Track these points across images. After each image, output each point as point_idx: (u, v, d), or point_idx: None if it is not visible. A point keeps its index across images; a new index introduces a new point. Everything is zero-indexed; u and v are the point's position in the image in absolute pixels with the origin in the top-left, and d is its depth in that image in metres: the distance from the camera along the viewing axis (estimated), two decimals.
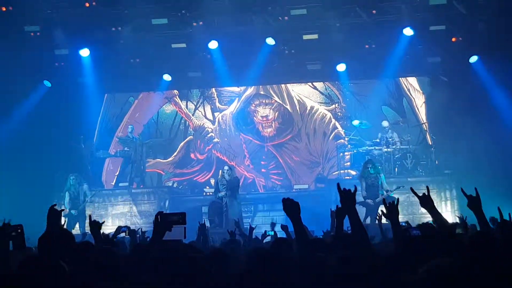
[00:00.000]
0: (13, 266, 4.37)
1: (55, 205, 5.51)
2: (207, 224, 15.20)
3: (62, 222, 13.74)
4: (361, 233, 4.57)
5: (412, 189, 5.48)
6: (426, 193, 5.31)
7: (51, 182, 18.46)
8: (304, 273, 4.24)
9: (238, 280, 4.17)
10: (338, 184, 4.87)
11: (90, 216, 5.92)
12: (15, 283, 3.85)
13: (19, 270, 4.15)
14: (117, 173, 21.90)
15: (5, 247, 4.97)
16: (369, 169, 16.66)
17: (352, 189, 4.71)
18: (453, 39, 18.63)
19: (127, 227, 9.17)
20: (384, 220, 6.63)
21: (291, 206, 4.87)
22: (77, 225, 17.29)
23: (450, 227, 5.61)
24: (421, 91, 21.60)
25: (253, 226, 9.99)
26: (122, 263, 4.53)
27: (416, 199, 5.35)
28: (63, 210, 5.86)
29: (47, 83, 19.78)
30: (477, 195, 5.17)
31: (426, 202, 5.29)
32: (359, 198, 15.20)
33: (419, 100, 21.59)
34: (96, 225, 5.70)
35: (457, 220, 10.75)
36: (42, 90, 19.62)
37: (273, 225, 10.10)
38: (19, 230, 5.30)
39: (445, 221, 5.39)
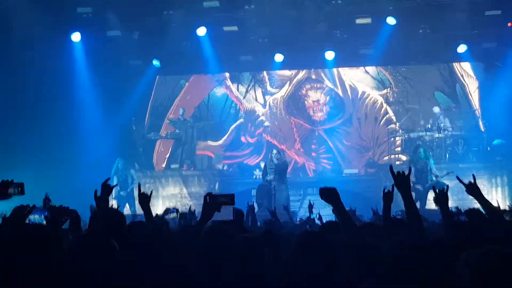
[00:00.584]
0: (65, 245, 4.44)
1: (108, 179, 5.52)
2: (256, 207, 15.26)
3: (114, 204, 13.93)
4: (416, 218, 4.53)
5: (458, 178, 5.39)
6: (473, 181, 5.23)
7: (103, 164, 18.55)
8: (353, 257, 4.24)
9: (287, 263, 4.18)
10: (391, 167, 4.83)
11: (139, 186, 5.84)
12: (67, 261, 3.93)
13: (72, 249, 4.23)
14: (167, 155, 22.07)
15: (56, 226, 5.03)
16: (419, 154, 16.51)
17: (406, 172, 4.67)
18: (509, 24, 18.25)
19: (176, 209, 9.22)
20: (433, 206, 6.57)
21: (328, 194, 4.84)
22: (127, 206, 17.48)
23: (499, 213, 5.52)
24: (474, 77, 21.25)
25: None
26: (172, 243, 4.56)
27: None
28: (116, 185, 5.79)
29: (155, 63, 20.39)
30: None
31: (472, 189, 5.21)
32: None
33: (472, 86, 21.24)
34: (145, 197, 5.66)
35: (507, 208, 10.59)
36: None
37: (310, 207, 9.98)
38: (74, 215, 5.38)
39: (493, 207, 5.29)
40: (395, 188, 4.75)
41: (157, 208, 17.22)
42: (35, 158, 17.23)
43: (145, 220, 5.65)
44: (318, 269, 3.98)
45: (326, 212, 10.29)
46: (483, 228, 4.54)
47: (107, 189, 5.38)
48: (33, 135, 17.55)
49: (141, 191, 5.69)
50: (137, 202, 7.13)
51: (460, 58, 20.38)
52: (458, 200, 13.38)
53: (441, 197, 5.28)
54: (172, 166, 20.82)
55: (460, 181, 5.25)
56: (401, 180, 4.64)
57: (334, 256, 4.05)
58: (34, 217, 5.87)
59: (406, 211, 4.65)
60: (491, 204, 5.17)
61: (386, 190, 5.08)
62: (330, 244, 4.16)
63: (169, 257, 4.15)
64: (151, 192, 5.83)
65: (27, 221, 4.87)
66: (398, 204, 5.04)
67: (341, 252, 4.18)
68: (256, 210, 9.87)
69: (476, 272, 3.02)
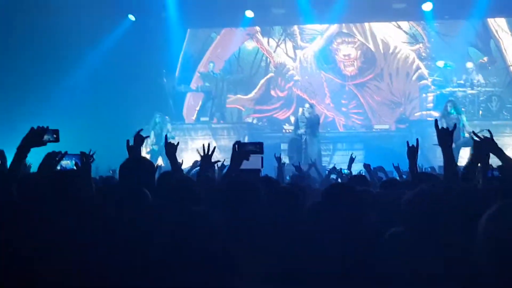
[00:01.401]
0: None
1: (141, 130, 5.54)
2: (287, 160, 15.29)
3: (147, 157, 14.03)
4: (453, 171, 4.47)
5: (473, 132, 5.10)
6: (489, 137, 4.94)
7: (134, 117, 18.59)
8: (380, 208, 4.22)
9: (313, 211, 4.17)
10: (436, 121, 4.75)
11: (166, 137, 5.89)
12: (97, 208, 3.96)
13: (102, 197, 4.26)
14: (198, 108, 22.07)
15: (89, 172, 5.08)
16: (450, 109, 16.31)
17: (451, 128, 4.58)
18: None
19: None
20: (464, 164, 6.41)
21: (444, 135, 4.69)
22: (160, 160, 17.55)
23: None
24: (509, 33, 20.86)
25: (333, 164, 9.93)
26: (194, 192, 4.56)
27: (504, 141, 5.06)
28: (147, 137, 5.77)
29: (131, 17, 19.96)
30: None
31: (489, 144, 4.87)
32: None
33: (507, 42, 20.86)
34: (171, 147, 5.66)
35: None
36: (126, 25, 19.78)
37: (351, 160, 9.90)
38: (55, 136, 5.22)
39: None
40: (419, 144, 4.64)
41: (186, 161, 17.29)
42: (71, 109, 17.31)
43: (171, 170, 5.67)
44: (342, 220, 3.95)
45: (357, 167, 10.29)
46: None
47: (139, 139, 5.41)
48: (71, 86, 17.67)
49: (167, 142, 5.71)
50: None
51: (495, 13, 20.01)
52: (493, 157, 13.39)
53: (486, 145, 4.92)
54: (202, 119, 20.92)
55: (477, 136, 4.93)
56: (445, 136, 4.56)
57: (360, 208, 4.01)
58: (66, 163, 5.94)
59: (445, 168, 4.57)
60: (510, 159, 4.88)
61: (410, 145, 5.02)
62: (357, 196, 4.13)
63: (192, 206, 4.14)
64: (178, 142, 5.86)
65: (58, 167, 4.92)
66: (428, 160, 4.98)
67: (367, 204, 4.16)
68: (286, 164, 9.85)
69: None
